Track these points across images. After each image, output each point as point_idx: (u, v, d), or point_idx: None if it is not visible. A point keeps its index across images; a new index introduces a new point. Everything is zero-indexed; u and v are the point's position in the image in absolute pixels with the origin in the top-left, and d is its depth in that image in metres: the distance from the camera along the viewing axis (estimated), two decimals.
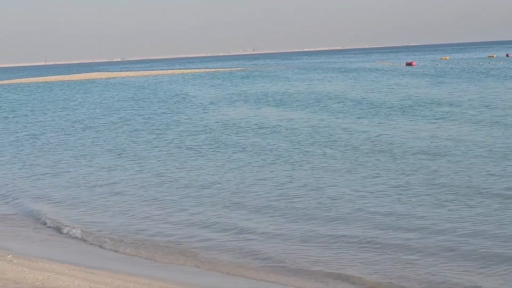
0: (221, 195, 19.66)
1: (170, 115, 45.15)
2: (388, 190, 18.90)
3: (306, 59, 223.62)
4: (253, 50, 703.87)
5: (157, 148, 29.81)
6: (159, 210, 18.50)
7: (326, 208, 17.40)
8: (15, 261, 13.48)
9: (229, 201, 18.88)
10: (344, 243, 14.51)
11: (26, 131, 40.25)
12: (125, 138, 33.92)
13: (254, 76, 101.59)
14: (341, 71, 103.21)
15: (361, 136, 29.77)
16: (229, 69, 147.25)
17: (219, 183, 21.50)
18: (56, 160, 28.20)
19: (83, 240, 16.12)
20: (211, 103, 53.99)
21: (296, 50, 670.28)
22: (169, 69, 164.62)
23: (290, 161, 24.57)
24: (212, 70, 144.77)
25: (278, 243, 14.83)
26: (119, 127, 39.36)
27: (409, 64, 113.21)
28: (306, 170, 22.66)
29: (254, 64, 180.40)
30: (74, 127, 40.84)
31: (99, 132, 37.47)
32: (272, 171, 22.86)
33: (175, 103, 55.65)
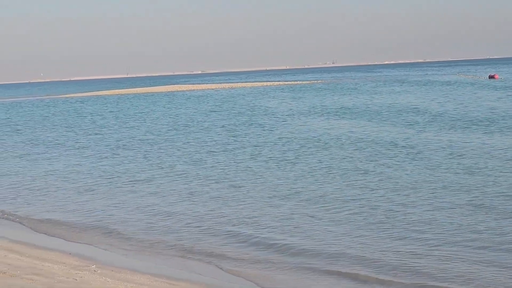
0: (301, 206, 19.64)
1: (249, 127, 45.36)
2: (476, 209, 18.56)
3: (386, 71, 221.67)
4: (333, 63, 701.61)
5: (235, 159, 30.00)
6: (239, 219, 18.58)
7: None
8: (98, 272, 13.74)
9: (310, 212, 18.84)
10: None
11: (109, 141, 40.92)
12: (203, 149, 34.19)
13: (333, 89, 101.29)
14: (422, 84, 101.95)
15: (444, 150, 29.34)
16: (308, 81, 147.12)
17: (298, 193, 21.53)
18: (136, 171, 28.58)
19: (165, 252, 16.28)
20: (290, 115, 54.05)
21: (376, 63, 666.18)
22: (249, 82, 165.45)
23: (367, 173, 24.41)
24: (292, 82, 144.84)
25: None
26: (198, 138, 39.72)
27: (491, 77, 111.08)
28: (387, 183, 22.45)
29: (334, 77, 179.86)
30: (154, 139, 41.36)
31: (176, 143, 37.85)
32: (350, 183, 22.74)
33: (254, 115, 55.90)
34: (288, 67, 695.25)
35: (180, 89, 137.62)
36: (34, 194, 24.68)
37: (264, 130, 42.75)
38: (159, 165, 29.76)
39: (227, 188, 23.49)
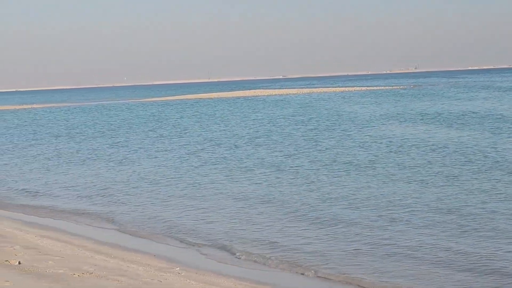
0: (378, 211, 19.49)
1: (329, 132, 45.21)
2: None
3: (470, 77, 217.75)
4: (415, 68, 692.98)
5: (316, 164, 29.96)
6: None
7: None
8: (183, 274, 13.94)
9: (390, 217, 18.70)
10: None
11: (191, 145, 41.35)
12: (285, 154, 34.24)
13: (415, 94, 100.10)
14: (508, 90, 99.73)
15: None
16: (390, 87, 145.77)
17: (376, 198, 21.37)
18: (217, 174, 28.80)
19: (248, 258, 16.36)
20: (371, 120, 53.67)
21: (459, 69, 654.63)
22: (329, 87, 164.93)
23: (451, 181, 24.06)
24: (373, 88, 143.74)
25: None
26: (280, 143, 39.78)
27: None
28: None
29: (416, 82, 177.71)
30: (236, 142, 41.57)
31: (258, 147, 37.97)
32: (436, 191, 22.46)
33: (334, 120, 55.69)
34: (369, 72, 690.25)
35: (261, 94, 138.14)
36: (119, 196, 25.13)
37: (344, 135, 42.56)
38: (241, 169, 29.92)
39: (308, 193, 23.46)
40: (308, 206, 21.44)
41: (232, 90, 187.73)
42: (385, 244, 16.53)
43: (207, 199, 23.59)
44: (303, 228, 18.69)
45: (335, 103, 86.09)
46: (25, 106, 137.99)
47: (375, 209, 20.41)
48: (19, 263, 13.45)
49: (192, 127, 57.31)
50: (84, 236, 18.86)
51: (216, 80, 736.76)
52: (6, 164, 37.43)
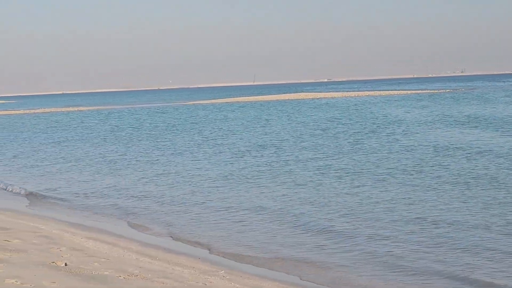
0: (418, 221, 19.29)
1: (374, 135, 44.94)
2: None
3: None
4: (462, 72, 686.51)
5: (360, 167, 29.78)
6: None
7: None
8: (227, 277, 13.94)
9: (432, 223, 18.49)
10: None
11: (235, 147, 41.42)
12: (329, 157, 34.09)
13: (462, 98, 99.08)
14: None
15: None
16: (436, 90, 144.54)
17: (414, 204, 21.16)
18: (260, 177, 28.79)
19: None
20: (417, 124, 53.21)
21: (508, 72, 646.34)
22: (375, 90, 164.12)
23: (503, 188, 23.72)
24: (419, 91, 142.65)
25: None
26: (324, 146, 39.63)
27: None
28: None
29: (462, 86, 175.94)
30: (281, 145, 41.52)
31: (302, 150, 37.86)
32: (484, 198, 22.17)
33: (379, 123, 55.35)
34: (414, 76, 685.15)
35: (306, 97, 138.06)
36: (164, 199, 25.25)
37: (390, 139, 42.26)
38: (285, 173, 29.86)
39: (351, 198, 23.33)
40: (349, 209, 21.34)
41: (277, 93, 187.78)
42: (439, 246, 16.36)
43: (250, 203, 23.56)
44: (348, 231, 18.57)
45: (381, 106, 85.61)
46: (71, 109, 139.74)
47: (419, 213, 20.23)
48: (66, 264, 13.55)
49: (237, 130, 57.44)
50: (130, 238, 18.97)
51: (261, 83, 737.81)
52: (52, 164, 37.86)
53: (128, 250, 16.74)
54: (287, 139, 46.40)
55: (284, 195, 24.61)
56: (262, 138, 48.34)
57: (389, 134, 45.80)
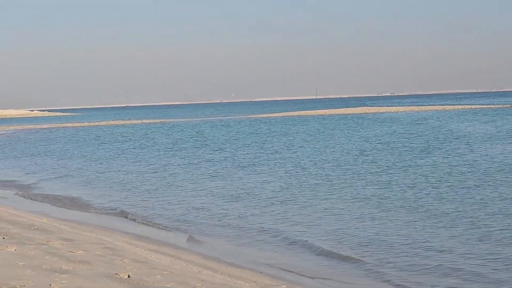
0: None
1: (438, 150, 44.29)
2: None
3: None
4: None
5: (424, 182, 29.40)
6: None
7: None
8: None
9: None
10: None
11: (294, 161, 41.30)
12: (391, 172, 33.73)
13: None
14: None
15: None
16: (502, 105, 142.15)
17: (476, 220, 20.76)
18: (320, 188, 28.64)
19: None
20: (482, 139, 52.31)
21: None
22: (440, 105, 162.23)
23: None
24: (484, 106, 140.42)
25: None
26: (387, 161, 39.22)
27: None
28: None
29: None
30: (343, 158, 41.26)
31: (364, 164, 37.55)
32: None
33: (443, 139, 54.57)
34: (479, 90, 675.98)
35: (369, 111, 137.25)
36: (226, 212, 25.28)
37: (453, 154, 41.61)
38: (345, 186, 29.66)
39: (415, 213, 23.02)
40: (405, 224, 21.08)
41: (339, 107, 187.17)
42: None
43: (308, 217, 23.44)
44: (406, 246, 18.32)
45: (445, 121, 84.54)
46: (134, 121, 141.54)
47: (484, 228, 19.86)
48: (129, 276, 13.65)
49: (299, 144, 57.38)
50: (192, 251, 19.04)
51: (323, 97, 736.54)
52: (115, 176, 38.29)
53: (190, 263, 16.79)
54: (348, 152, 46.11)
55: (343, 208, 24.41)
56: (324, 152, 48.12)
57: (453, 149, 45.13)
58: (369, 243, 19.15)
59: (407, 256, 17.62)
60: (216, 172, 38.57)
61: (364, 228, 21.16)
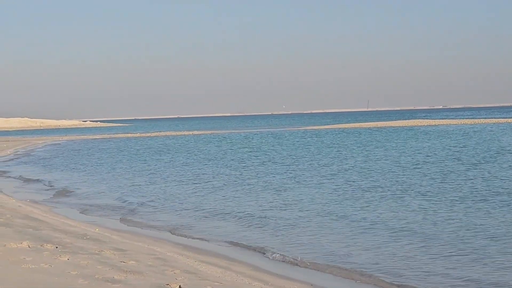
0: None
1: (489, 163, 43.64)
2: None
3: None
4: None
5: (472, 196, 28.99)
6: None
7: None
8: None
9: None
10: None
11: (350, 172, 41.09)
12: (441, 184, 33.33)
13: None
14: None
15: None
16: None
17: None
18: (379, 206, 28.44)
19: None
20: None
21: None
22: (494, 118, 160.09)
23: None
24: None
25: None
26: (437, 173, 38.77)
27: None
28: None
29: None
30: (393, 170, 40.94)
31: (413, 176, 37.17)
32: None
33: (496, 152, 53.78)
34: None
35: (420, 124, 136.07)
36: (276, 223, 25.22)
37: (506, 168, 40.90)
38: (396, 199, 29.41)
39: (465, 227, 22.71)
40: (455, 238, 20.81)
41: (390, 119, 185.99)
42: None
43: (367, 229, 23.27)
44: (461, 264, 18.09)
45: (498, 134, 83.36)
46: (185, 132, 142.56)
47: None
48: (180, 287, 13.72)
49: (351, 155, 57.24)
50: (243, 262, 19.02)
51: (374, 109, 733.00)
52: (165, 186, 38.51)
53: (241, 275, 16.80)
54: (400, 165, 45.73)
55: (390, 221, 24.21)
56: (377, 163, 47.84)
57: (505, 162, 44.45)
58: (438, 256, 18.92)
59: (452, 269, 17.40)
60: (269, 183, 38.61)
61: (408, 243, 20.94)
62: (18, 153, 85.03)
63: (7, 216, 24.89)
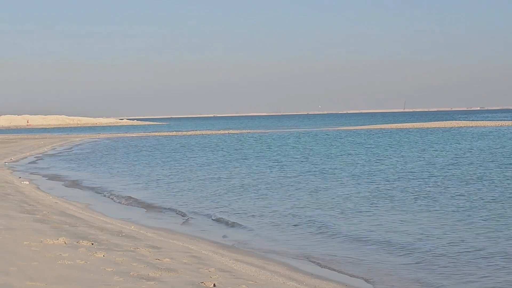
0: None
1: None
2: None
3: None
4: None
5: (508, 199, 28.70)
6: None
7: None
8: None
9: None
10: None
11: (386, 173, 40.83)
12: (477, 190, 32.97)
13: None
14: None
15: None
16: None
17: None
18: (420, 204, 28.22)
19: None
20: None
21: None
22: None
23: None
24: None
25: None
26: (474, 175, 38.37)
27: None
28: None
29: None
30: (429, 171, 40.60)
31: (449, 180, 36.81)
32: None
33: None
34: None
35: (457, 125, 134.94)
36: (315, 224, 25.11)
37: None
38: (434, 202, 29.15)
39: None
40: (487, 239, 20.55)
41: (427, 120, 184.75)
42: None
43: (391, 231, 23.09)
44: None
45: None
46: (222, 132, 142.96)
47: None
48: (214, 285, 13.71)
49: (390, 156, 57.15)
50: (278, 261, 18.95)
51: (411, 110, 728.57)
52: (204, 186, 38.55)
53: (275, 274, 16.75)
54: (436, 166, 45.39)
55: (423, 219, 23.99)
56: (412, 164, 47.52)
57: None
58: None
59: (485, 266, 17.16)
60: (300, 181, 38.56)
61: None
62: (55, 150, 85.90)
63: (44, 212, 25.12)
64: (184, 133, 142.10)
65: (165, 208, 30.45)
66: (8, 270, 13.56)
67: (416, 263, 18.52)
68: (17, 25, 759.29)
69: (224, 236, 23.23)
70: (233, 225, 25.48)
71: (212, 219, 26.99)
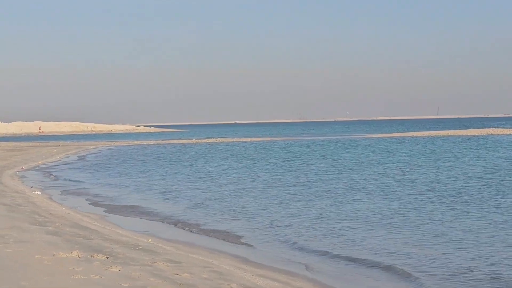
0: None
1: None
2: None
3: None
4: None
5: None
6: None
7: None
8: None
9: None
10: None
11: (417, 184, 40.62)
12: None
13: None
14: None
15: None
16: None
17: None
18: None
19: None
20: None
21: None
22: None
23: None
24: None
25: None
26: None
27: None
28: None
29: None
30: (464, 181, 40.35)
31: (484, 190, 36.55)
32: None
33: None
34: None
35: (494, 133, 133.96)
36: (339, 236, 25.00)
37: None
38: (467, 213, 28.93)
39: None
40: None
41: (461, 128, 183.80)
42: None
43: (418, 235, 22.93)
44: None
45: None
46: (244, 139, 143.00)
47: None
48: None
49: (421, 165, 56.96)
50: (302, 276, 18.87)
51: (444, 116, 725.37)
52: (227, 196, 38.50)
53: None
54: (472, 176, 45.13)
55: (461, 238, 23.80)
56: (445, 173, 47.30)
57: None
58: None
59: None
60: (326, 191, 38.53)
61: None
62: (68, 158, 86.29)
63: (56, 224, 25.15)
64: (205, 140, 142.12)
65: (185, 221, 30.37)
66: (20, 284, 13.56)
67: None
68: (32, 29, 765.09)
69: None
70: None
71: (227, 232, 26.92)
